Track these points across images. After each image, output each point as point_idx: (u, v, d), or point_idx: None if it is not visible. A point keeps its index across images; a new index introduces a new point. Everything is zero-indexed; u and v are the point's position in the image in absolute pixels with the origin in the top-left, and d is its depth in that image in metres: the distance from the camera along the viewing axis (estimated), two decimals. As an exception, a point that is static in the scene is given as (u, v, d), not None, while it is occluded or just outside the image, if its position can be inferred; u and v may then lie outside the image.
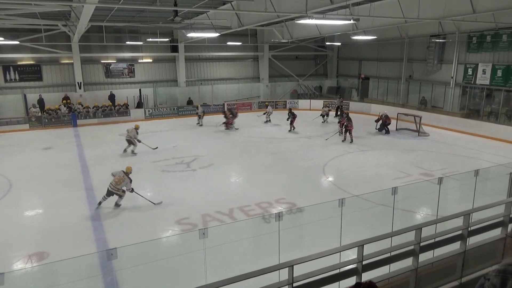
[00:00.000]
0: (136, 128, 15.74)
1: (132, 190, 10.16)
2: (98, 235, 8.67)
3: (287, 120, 19.83)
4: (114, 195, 10.05)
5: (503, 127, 17.72)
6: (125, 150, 15.62)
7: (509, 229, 5.34)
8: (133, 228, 8.93)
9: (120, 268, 6.18)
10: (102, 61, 25.12)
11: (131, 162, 14.27)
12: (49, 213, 10.09)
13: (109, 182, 10.12)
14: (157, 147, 15.91)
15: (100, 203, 10.15)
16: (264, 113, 22.90)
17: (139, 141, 15.41)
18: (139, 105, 24.87)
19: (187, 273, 6.72)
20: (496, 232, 5.44)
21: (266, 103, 25.17)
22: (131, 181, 10.12)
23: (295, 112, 20.22)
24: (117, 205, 10.19)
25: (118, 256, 4.01)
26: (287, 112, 20.44)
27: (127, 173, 10.20)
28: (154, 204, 10.33)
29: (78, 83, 23.94)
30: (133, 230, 8.77)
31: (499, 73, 18.94)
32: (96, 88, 25.06)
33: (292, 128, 19.78)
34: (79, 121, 21.83)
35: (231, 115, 20.70)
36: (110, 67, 25.43)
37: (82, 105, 22.98)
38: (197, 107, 22.86)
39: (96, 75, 25.17)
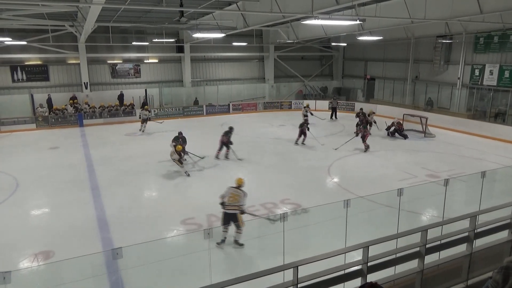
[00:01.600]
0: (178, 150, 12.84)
1: None
2: (104, 234, 8.71)
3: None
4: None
5: (510, 129, 17.56)
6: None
7: None
8: (138, 227, 8.96)
9: (125, 268, 6.21)
10: (108, 62, 25.26)
11: (137, 161, 14.37)
12: (55, 213, 10.15)
13: (111, 182, 10.15)
14: (204, 157, 14.38)
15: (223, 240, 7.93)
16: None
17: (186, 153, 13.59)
18: (144, 105, 24.91)
19: (191, 273, 6.74)
20: (503, 235, 5.39)
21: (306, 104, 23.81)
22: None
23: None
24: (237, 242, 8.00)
25: (123, 255, 4.03)
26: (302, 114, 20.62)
27: (239, 186, 8.52)
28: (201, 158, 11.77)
29: (84, 83, 24.10)
30: (138, 230, 8.80)
31: (507, 74, 18.78)
32: (102, 88, 25.20)
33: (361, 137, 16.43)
34: (85, 121, 21.97)
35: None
36: (116, 68, 25.56)
37: (88, 105, 23.14)
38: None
39: (103, 76, 25.32)
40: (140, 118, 20.26)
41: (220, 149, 14.75)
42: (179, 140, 13.86)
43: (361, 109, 19.99)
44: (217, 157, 14.70)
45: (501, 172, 10.95)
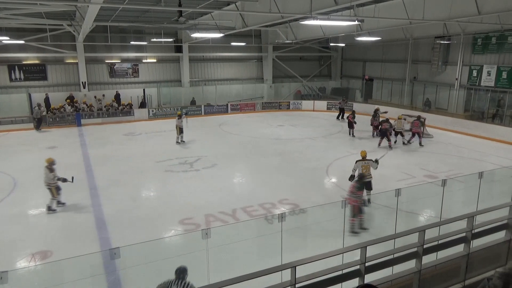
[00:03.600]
0: (50, 163, 10.18)
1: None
2: (102, 234, 8.70)
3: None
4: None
5: (508, 129, 17.60)
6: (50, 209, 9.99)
7: None
8: (136, 227, 8.95)
9: (123, 268, 6.20)
10: (106, 61, 25.23)
11: (136, 161, 14.36)
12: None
13: (110, 182, 10.11)
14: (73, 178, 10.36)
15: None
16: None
17: (63, 180, 10.14)
18: (142, 105, 24.92)
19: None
20: (501, 235, 5.41)
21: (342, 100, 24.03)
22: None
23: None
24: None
25: (121, 255, 4.03)
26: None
27: (364, 158, 10.21)
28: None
29: (82, 82, 24.05)
30: (136, 230, 8.79)
31: (504, 75, 18.84)
32: (101, 88, 25.16)
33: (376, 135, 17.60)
34: (83, 121, 21.93)
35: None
36: (115, 67, 25.54)
37: (87, 104, 23.08)
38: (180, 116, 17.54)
39: (101, 75, 25.29)
40: (177, 128, 17.05)
41: None
42: None
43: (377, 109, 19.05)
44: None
45: (498, 173, 10.99)
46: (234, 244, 7.30)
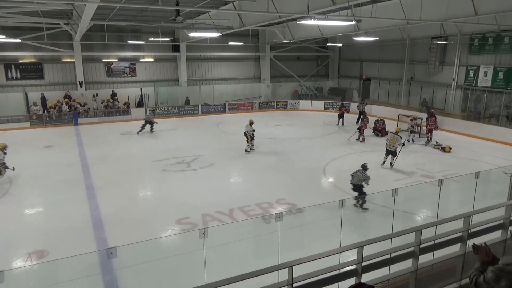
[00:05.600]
0: (2, 147, 12.40)
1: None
2: (98, 234, 8.68)
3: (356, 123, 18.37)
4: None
5: (504, 130, 17.69)
6: None
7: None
8: (133, 227, 8.93)
9: (120, 267, 6.19)
10: (103, 60, 25.16)
11: (133, 160, 14.34)
12: (50, 212, 10.10)
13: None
14: (14, 168, 12.58)
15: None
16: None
17: (6, 167, 12.28)
18: (140, 104, 24.88)
19: (186, 272, 6.73)
20: (497, 235, 5.43)
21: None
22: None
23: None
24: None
25: (118, 255, 4.02)
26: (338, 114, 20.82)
27: (397, 132, 13.67)
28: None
29: (79, 81, 23.97)
30: (133, 229, 8.78)
31: (501, 75, 18.92)
32: (98, 87, 25.08)
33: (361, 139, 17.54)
34: (80, 120, 21.86)
35: None
36: (112, 66, 25.47)
37: (81, 104, 22.94)
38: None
39: (98, 74, 25.21)
40: (246, 135, 15.76)
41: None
42: None
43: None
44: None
45: (494, 173, 11.03)
46: (231, 244, 7.31)
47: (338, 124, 21.67)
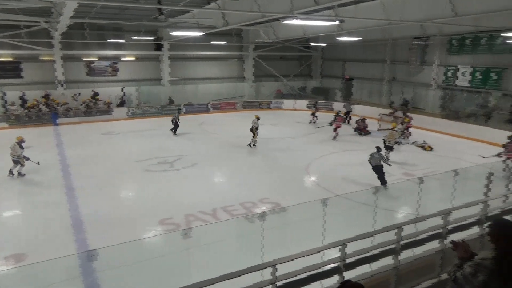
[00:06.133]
0: (19, 141, 12.58)
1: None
2: (79, 235, 8.52)
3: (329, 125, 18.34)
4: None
5: (482, 128, 18.13)
6: (10, 172, 12.31)
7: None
8: (115, 228, 8.80)
9: (101, 270, 6.09)
10: (84, 59, 24.68)
11: (114, 160, 14.13)
12: (28, 214, 9.87)
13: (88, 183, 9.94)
14: (39, 162, 13.06)
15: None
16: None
17: (27, 159, 12.61)
18: (122, 104, 24.48)
19: (170, 273, 6.67)
20: (474, 231, 5.57)
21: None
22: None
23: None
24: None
25: (99, 257, 3.95)
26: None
27: (393, 128, 14.82)
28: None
29: (59, 81, 23.46)
30: (114, 231, 8.65)
31: (479, 75, 19.41)
32: (78, 86, 24.57)
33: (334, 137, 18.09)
34: (60, 120, 21.42)
35: None
36: (93, 65, 25.01)
37: (59, 104, 22.42)
38: None
39: (78, 73, 24.71)
40: (252, 131, 16.48)
41: None
42: None
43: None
44: None
45: (472, 170, 11.30)
46: (215, 244, 7.29)
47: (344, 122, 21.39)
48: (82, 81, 24.80)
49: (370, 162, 11.46)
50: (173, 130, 19.25)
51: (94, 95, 24.00)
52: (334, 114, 19.05)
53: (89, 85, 24.85)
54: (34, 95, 22.69)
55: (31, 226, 9.05)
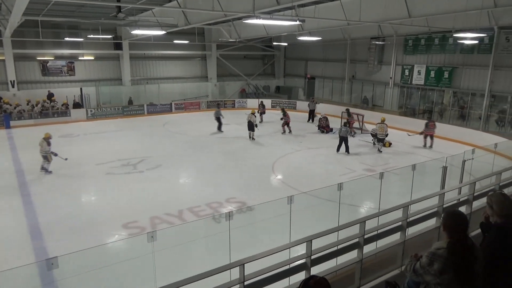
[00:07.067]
0: (47, 138, 13.03)
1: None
2: (37, 244, 8.12)
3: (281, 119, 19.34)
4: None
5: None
6: (42, 168, 12.80)
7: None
8: (76, 235, 8.47)
9: (62, 278, 5.84)
10: (38, 58, 23.52)
11: (73, 164, 13.56)
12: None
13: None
14: (67, 158, 13.39)
15: None
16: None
17: (55, 155, 12.99)
18: (77, 105, 23.31)
19: (135, 278, 6.51)
20: (432, 222, 5.85)
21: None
22: None
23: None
24: None
25: (59, 265, 3.78)
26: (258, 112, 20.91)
27: (382, 121, 15.80)
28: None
29: (10, 81, 22.21)
30: (76, 237, 8.32)
31: (432, 74, 20.37)
32: (32, 87, 23.41)
33: (287, 131, 19.11)
34: (12, 122, 20.26)
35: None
36: (48, 65, 23.88)
37: (10, 105, 21.23)
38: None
39: (32, 73, 23.52)
40: (249, 122, 17.87)
41: None
42: None
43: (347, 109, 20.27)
44: None
45: (429, 165, 11.86)
46: (182, 246, 7.19)
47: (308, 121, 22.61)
48: (36, 82, 23.63)
49: (339, 134, 15.22)
50: (219, 128, 19.51)
51: (50, 97, 22.92)
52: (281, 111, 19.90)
53: (44, 85, 23.74)
54: (-17, 96, 21.37)
55: (-17, 236, 8.52)
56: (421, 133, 16.57)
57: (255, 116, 18.21)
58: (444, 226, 2.93)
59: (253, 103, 27.51)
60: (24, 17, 16.22)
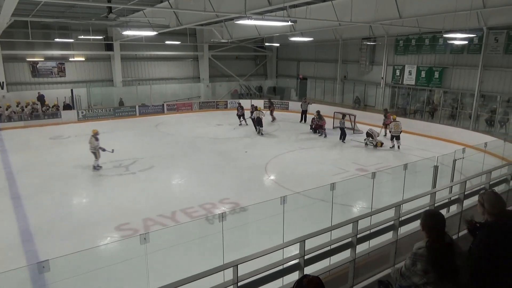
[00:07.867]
0: (95, 134, 13.45)
1: None
2: (28, 247, 8.03)
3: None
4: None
5: (427, 124, 19.25)
6: (95, 168, 13.21)
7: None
8: (68, 237, 8.39)
9: (53, 281, 5.78)
10: (28, 59, 23.25)
11: (64, 166, 13.44)
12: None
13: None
14: (113, 150, 13.74)
15: None
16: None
17: (103, 150, 13.34)
18: (67, 107, 23.09)
19: (128, 280, 6.47)
20: (423, 221, 5.88)
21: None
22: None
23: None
24: None
25: (50, 268, 3.75)
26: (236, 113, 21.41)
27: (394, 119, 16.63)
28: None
29: (0, 82, 21.93)
30: (68, 240, 8.24)
31: (423, 74, 20.56)
32: (22, 89, 23.15)
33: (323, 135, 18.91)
34: (2, 124, 20.01)
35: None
36: (38, 66, 23.62)
37: (0, 106, 20.95)
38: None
39: (21, 74, 23.25)
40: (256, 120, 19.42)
41: None
42: None
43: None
44: None
45: (420, 164, 11.96)
46: (175, 247, 7.16)
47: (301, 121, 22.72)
48: (26, 83, 23.37)
49: (339, 126, 17.45)
50: (259, 130, 19.53)
51: (40, 98, 22.67)
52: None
53: (34, 87, 23.48)
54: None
55: (-28, 240, 8.40)
56: (384, 126, 18.52)
57: (263, 113, 19.35)
58: (423, 226, 3.02)
59: (245, 104, 27.44)
60: (13, 17, 16.03)
